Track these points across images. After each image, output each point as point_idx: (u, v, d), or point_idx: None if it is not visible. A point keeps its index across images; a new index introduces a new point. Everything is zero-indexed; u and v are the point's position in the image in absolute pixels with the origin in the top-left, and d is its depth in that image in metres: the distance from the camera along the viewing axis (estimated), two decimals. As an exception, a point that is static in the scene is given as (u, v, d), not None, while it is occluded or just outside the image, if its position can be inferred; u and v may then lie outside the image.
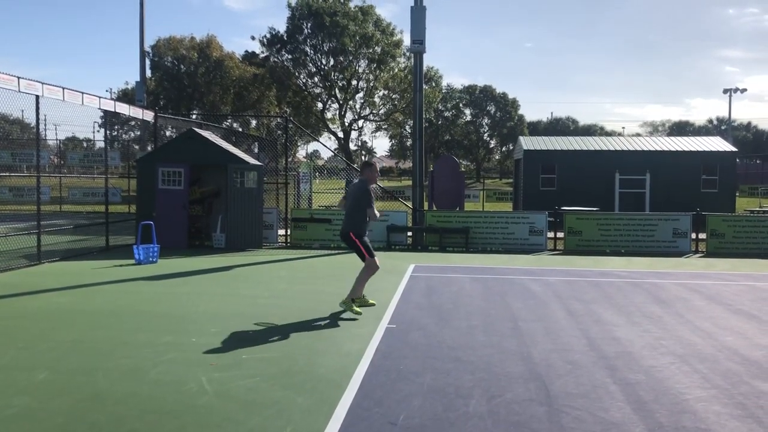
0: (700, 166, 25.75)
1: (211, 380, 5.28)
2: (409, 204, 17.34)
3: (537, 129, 77.63)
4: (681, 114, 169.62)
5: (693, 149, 26.32)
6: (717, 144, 27.29)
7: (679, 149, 26.39)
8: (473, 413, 4.65)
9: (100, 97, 13.76)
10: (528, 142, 28.15)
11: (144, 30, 28.15)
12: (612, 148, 26.82)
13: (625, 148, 26.79)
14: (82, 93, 12.89)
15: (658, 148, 26.61)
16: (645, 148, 26.72)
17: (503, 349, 6.40)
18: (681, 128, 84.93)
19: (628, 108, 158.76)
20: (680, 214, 16.11)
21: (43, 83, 11.64)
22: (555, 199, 22.07)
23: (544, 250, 15.69)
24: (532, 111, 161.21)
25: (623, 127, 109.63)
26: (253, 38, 60.71)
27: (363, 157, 74.14)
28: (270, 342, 6.48)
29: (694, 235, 15.91)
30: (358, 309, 7.94)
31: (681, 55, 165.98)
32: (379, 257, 8.42)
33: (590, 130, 79.10)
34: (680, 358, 6.15)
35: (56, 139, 43.16)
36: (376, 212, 8.15)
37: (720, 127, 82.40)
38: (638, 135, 66.25)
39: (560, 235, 16.22)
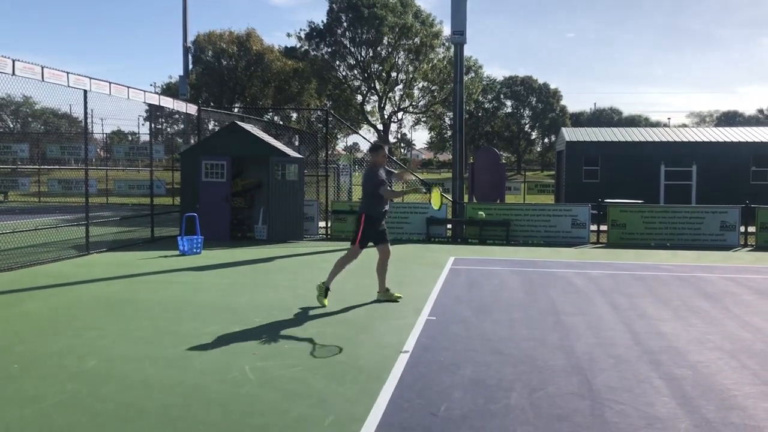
0: (749, 156, 25.04)
1: (254, 369, 5.36)
2: (449, 196, 17.27)
3: (580, 120, 76.25)
4: (731, 104, 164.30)
5: (742, 140, 25.59)
6: (768, 134, 26.47)
7: (727, 140, 25.69)
8: (515, 406, 4.63)
9: (144, 91, 14.05)
10: (570, 134, 27.74)
11: (187, 26, 28.53)
12: (657, 139, 26.25)
13: (670, 139, 26.20)
14: (128, 87, 13.17)
15: (706, 139, 25.95)
16: (692, 139, 26.09)
17: (545, 342, 6.34)
18: (730, 118, 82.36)
19: (675, 98, 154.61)
20: (728, 206, 15.67)
21: (90, 78, 11.93)
22: (598, 192, 21.71)
23: (586, 243, 15.48)
24: (574, 102, 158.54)
25: (669, 118, 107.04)
26: (288, 35, 61.01)
27: (402, 150, 73.52)
28: (311, 333, 6.54)
29: (742, 229, 15.48)
30: (325, 300, 7.89)
31: (734, 42, 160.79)
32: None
33: (634, 121, 77.32)
34: (728, 354, 6.00)
35: (102, 133, 44.21)
36: (391, 188, 8.32)
37: (771, 116, 79.82)
38: (684, 126, 64.64)
39: (603, 228, 15.96)
